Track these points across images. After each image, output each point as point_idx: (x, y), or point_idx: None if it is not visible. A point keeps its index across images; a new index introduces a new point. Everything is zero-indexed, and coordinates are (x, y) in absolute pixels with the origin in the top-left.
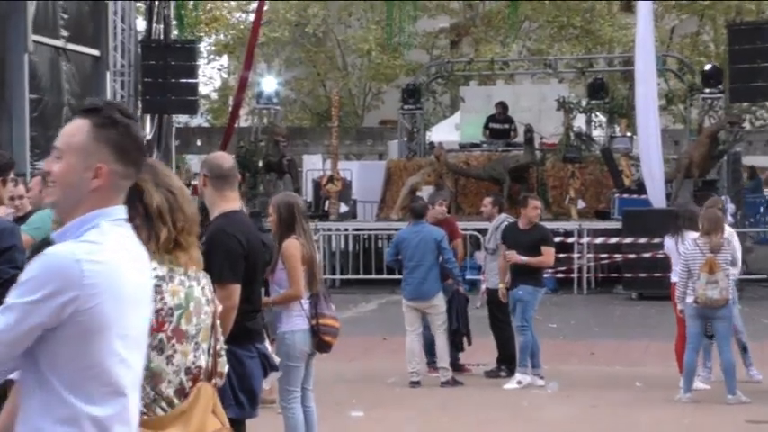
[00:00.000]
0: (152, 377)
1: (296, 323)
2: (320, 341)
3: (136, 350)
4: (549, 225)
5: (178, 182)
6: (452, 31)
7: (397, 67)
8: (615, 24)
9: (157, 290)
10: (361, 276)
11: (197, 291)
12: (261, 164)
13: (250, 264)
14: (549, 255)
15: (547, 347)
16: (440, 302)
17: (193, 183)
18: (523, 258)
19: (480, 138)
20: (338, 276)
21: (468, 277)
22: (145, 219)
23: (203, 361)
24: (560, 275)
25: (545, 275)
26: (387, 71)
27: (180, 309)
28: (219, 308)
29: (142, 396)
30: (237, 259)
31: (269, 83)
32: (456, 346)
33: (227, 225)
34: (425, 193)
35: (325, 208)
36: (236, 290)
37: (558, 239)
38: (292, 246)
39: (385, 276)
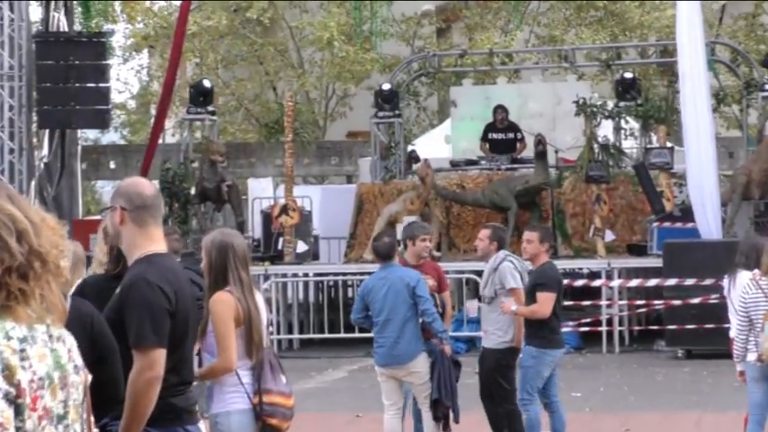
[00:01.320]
0: None
1: (231, 402)
2: (264, 425)
3: None
4: (568, 264)
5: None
6: (439, 14)
7: (369, 63)
8: (647, 4)
9: (23, 356)
10: (326, 335)
11: (63, 355)
12: (193, 191)
13: (179, 323)
14: (543, 302)
15: (569, 422)
16: (422, 368)
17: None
18: (513, 308)
19: (477, 152)
20: (296, 336)
21: (463, 333)
22: None
23: None
24: (585, 329)
25: (565, 329)
26: (355, 68)
27: (48, 379)
28: (89, 377)
29: None
30: (162, 317)
31: (202, 86)
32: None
33: (150, 272)
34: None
35: (278, 247)
36: (161, 356)
37: (580, 283)
38: (221, 302)
39: (357, 335)
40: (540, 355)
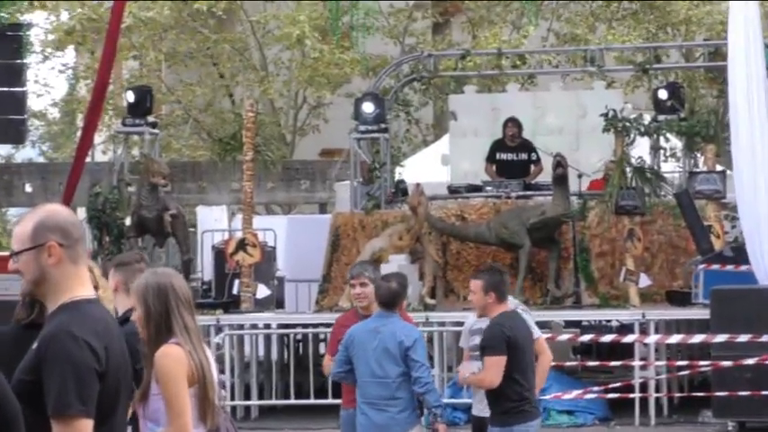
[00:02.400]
0: None
1: None
2: None
3: None
4: (594, 315)
5: None
6: (436, 6)
7: (348, 65)
8: None
9: None
10: (292, 402)
11: None
12: (129, 221)
13: (109, 386)
14: (489, 368)
15: None
16: None
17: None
18: (467, 374)
19: (482, 176)
20: (255, 402)
21: (462, 400)
22: None
23: None
24: (614, 396)
25: (589, 396)
26: (331, 71)
27: None
28: None
29: None
30: (89, 379)
31: (141, 92)
32: None
33: (76, 323)
34: (393, 264)
35: (234, 291)
36: (87, 428)
37: (608, 338)
38: (169, 356)
39: (329, 401)
40: None
